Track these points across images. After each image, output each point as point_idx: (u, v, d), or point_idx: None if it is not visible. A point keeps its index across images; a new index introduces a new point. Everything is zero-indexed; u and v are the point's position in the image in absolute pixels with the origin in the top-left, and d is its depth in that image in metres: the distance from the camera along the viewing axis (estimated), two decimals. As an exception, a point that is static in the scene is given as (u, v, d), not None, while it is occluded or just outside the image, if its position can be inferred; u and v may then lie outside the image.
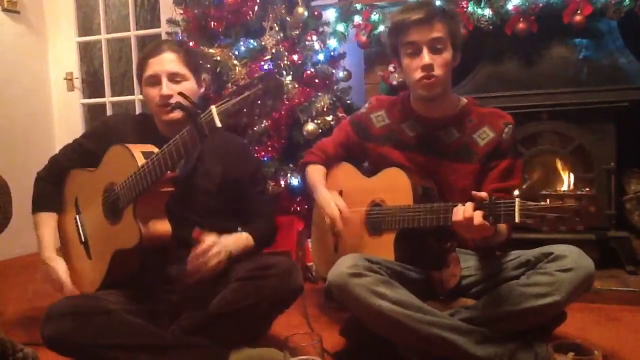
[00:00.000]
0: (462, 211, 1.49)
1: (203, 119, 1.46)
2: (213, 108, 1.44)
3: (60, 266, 1.80)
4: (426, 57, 1.71)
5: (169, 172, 1.58)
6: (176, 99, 1.73)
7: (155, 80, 1.75)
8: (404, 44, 1.76)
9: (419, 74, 1.73)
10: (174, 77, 1.75)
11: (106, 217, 1.72)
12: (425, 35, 1.71)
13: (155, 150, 1.64)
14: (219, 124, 1.43)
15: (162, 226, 1.63)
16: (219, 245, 1.67)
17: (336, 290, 1.60)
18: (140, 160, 1.60)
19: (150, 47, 1.83)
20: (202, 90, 1.88)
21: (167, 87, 1.73)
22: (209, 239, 1.65)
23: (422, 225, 1.67)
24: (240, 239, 1.79)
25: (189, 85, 1.77)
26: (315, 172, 2.03)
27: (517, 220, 1.42)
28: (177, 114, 1.74)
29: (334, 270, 1.61)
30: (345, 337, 1.88)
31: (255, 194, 1.94)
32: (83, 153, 1.87)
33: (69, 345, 1.54)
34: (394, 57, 1.84)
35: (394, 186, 1.79)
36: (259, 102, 1.44)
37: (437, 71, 1.72)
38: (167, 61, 1.75)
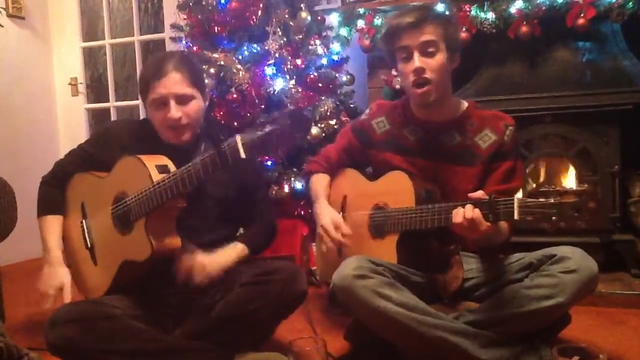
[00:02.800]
0: (461, 212, 1.50)
1: (227, 148, 1.45)
2: (238, 138, 1.43)
3: (65, 272, 1.79)
4: (416, 60, 1.71)
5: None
6: (186, 120, 1.71)
7: (162, 102, 1.71)
8: (398, 49, 1.76)
9: (411, 78, 1.74)
10: (181, 99, 1.71)
11: (115, 226, 1.71)
12: (416, 39, 1.71)
13: (168, 162, 1.64)
14: (243, 155, 1.43)
15: (173, 240, 1.64)
16: (198, 264, 1.69)
17: (341, 293, 1.60)
18: (155, 175, 1.59)
19: (153, 66, 1.76)
20: (207, 103, 1.86)
21: (175, 110, 1.69)
22: (186, 260, 1.68)
23: (424, 227, 1.67)
24: (232, 252, 1.78)
25: (196, 104, 1.74)
26: (318, 183, 2.03)
27: (516, 217, 1.43)
28: (186, 136, 1.74)
29: (338, 272, 1.61)
30: (349, 341, 1.88)
31: (258, 200, 1.94)
32: (87, 158, 1.87)
33: (73, 351, 1.54)
34: (392, 62, 1.85)
35: (397, 189, 1.79)
36: (285, 136, 1.44)
37: (430, 74, 1.72)
38: (173, 83, 1.70)
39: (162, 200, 1.56)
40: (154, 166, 1.62)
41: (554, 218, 1.39)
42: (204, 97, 1.81)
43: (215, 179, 1.78)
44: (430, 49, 1.72)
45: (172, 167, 1.63)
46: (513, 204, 1.43)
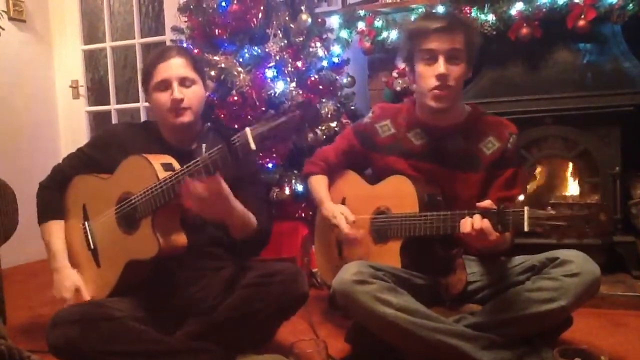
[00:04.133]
0: (469, 223, 1.50)
1: (237, 142, 1.45)
2: (248, 130, 1.43)
3: (75, 274, 1.79)
4: (442, 66, 1.70)
5: None
6: (186, 103, 1.74)
7: (166, 85, 1.75)
8: (421, 51, 1.74)
9: (433, 82, 1.72)
10: (184, 82, 1.76)
11: (120, 226, 1.72)
12: (445, 44, 1.70)
13: (173, 161, 1.65)
14: (253, 147, 1.42)
15: (179, 238, 1.64)
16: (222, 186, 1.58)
17: (340, 298, 1.60)
18: (161, 172, 1.60)
19: (156, 53, 1.83)
20: (208, 93, 1.88)
21: (178, 91, 1.74)
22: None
23: (430, 234, 1.67)
24: (243, 208, 1.70)
25: (198, 89, 1.79)
26: (319, 185, 2.03)
27: (526, 229, 1.42)
28: (187, 117, 1.75)
29: (338, 277, 1.61)
30: (351, 343, 1.88)
31: (254, 193, 1.88)
32: (87, 161, 1.88)
33: (75, 353, 1.54)
34: (407, 62, 1.83)
35: (400, 194, 1.79)
36: (295, 128, 1.43)
37: (451, 82, 1.72)
38: (177, 66, 1.76)
39: (170, 197, 1.56)
40: (160, 164, 1.63)
41: (557, 222, 1.38)
42: (205, 87, 1.85)
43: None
44: (456, 57, 1.71)
45: (176, 165, 1.63)
46: (523, 215, 1.42)
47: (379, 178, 1.92)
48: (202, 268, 1.79)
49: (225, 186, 1.58)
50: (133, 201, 1.66)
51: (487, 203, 1.52)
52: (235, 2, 2.82)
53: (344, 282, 1.58)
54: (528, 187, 2.71)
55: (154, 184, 1.60)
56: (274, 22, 2.84)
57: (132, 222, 1.67)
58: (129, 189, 1.69)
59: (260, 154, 2.72)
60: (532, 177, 2.74)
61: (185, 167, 1.56)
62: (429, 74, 1.73)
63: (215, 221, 1.67)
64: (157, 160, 1.64)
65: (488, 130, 1.81)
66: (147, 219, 1.62)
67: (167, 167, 1.62)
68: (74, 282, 1.76)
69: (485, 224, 1.47)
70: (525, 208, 1.42)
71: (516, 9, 2.58)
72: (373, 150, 1.96)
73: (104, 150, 1.84)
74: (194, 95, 1.77)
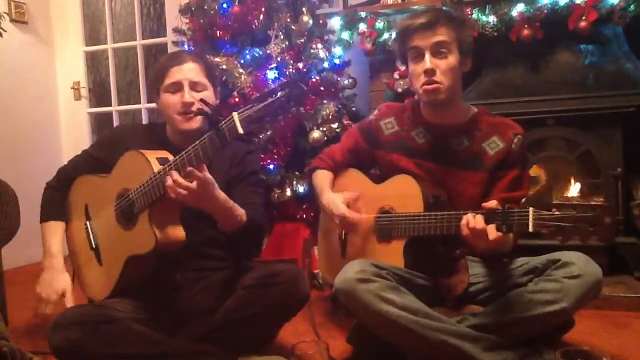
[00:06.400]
0: (465, 221, 1.50)
1: (225, 126, 1.46)
2: (235, 115, 1.44)
3: (67, 278, 1.78)
4: (428, 61, 1.72)
5: None
6: (197, 106, 1.74)
7: (177, 88, 1.76)
8: (409, 49, 1.77)
9: (422, 79, 1.74)
10: (195, 86, 1.77)
11: (119, 222, 1.72)
12: (428, 39, 1.72)
13: (169, 155, 1.65)
14: (241, 131, 1.43)
15: (177, 232, 1.64)
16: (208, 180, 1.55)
17: (343, 296, 1.60)
18: (156, 166, 1.60)
19: (170, 55, 1.86)
20: (218, 101, 1.89)
21: (189, 95, 1.75)
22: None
23: (434, 234, 1.66)
24: (232, 203, 1.67)
25: (208, 95, 1.78)
26: (322, 178, 2.03)
27: (530, 229, 1.42)
28: (196, 123, 1.76)
29: (341, 275, 1.61)
30: (353, 344, 1.88)
31: (250, 190, 1.86)
32: (93, 162, 1.88)
33: (76, 354, 1.54)
34: (404, 63, 1.85)
35: (404, 194, 1.79)
36: (282, 108, 1.45)
37: (440, 76, 1.72)
38: (189, 70, 1.77)
39: (165, 190, 1.56)
40: (155, 158, 1.63)
41: (562, 223, 1.38)
42: (215, 94, 1.86)
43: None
44: (442, 50, 1.72)
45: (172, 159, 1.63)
46: (528, 216, 1.42)
47: (384, 176, 1.92)
48: (202, 269, 1.79)
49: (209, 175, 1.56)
50: (130, 196, 1.66)
51: (492, 203, 1.52)
52: (236, 3, 2.83)
53: (347, 280, 1.58)
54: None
55: (150, 177, 1.60)
56: (275, 24, 2.85)
57: (131, 217, 1.67)
58: (126, 185, 1.69)
59: (262, 155, 2.73)
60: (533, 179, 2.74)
61: (177, 157, 1.56)
62: (418, 71, 1.75)
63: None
64: (154, 155, 1.65)
65: (492, 130, 1.82)
66: (144, 213, 1.62)
67: (163, 161, 1.62)
68: (63, 287, 1.74)
69: (480, 222, 1.47)
70: (530, 209, 1.42)
71: (517, 10, 2.58)
72: (377, 148, 1.96)
73: (110, 151, 1.84)
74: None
